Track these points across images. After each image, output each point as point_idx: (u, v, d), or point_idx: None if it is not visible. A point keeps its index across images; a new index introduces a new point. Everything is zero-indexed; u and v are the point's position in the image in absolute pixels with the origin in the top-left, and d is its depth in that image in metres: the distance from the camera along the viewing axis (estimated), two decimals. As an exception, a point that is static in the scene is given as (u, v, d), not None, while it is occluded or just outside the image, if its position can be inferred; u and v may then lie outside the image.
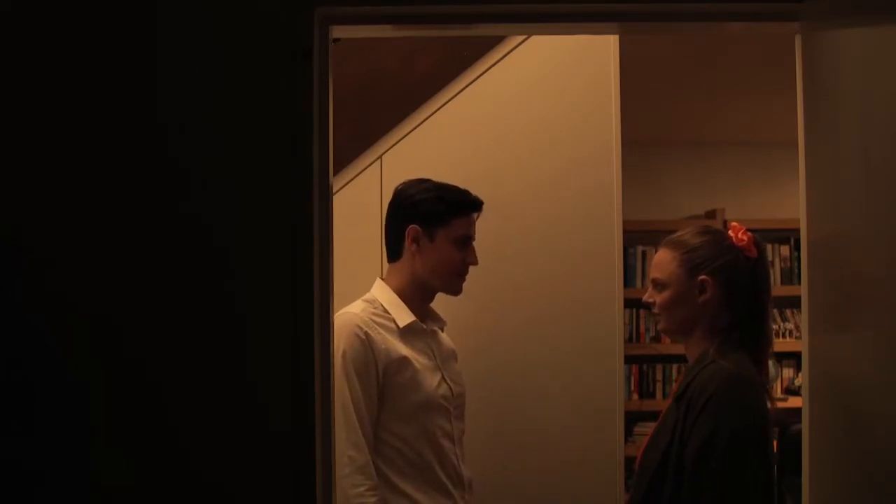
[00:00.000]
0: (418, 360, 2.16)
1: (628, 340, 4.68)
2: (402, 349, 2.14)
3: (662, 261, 2.11)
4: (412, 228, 2.20)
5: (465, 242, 2.22)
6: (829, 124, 1.55)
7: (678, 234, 2.14)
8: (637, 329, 4.81)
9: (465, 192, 2.23)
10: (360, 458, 2.04)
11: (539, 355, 2.62)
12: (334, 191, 1.70)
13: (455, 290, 2.25)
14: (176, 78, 1.54)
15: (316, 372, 1.54)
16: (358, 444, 2.05)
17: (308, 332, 1.53)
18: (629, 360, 4.58)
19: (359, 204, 2.62)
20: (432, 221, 2.20)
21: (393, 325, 2.17)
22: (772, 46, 2.12)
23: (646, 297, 2.15)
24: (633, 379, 4.75)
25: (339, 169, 2.59)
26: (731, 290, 2.05)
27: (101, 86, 1.54)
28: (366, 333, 2.10)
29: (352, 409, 2.05)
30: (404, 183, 2.28)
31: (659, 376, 4.79)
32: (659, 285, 2.10)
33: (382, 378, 2.11)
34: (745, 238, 2.08)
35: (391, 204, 2.28)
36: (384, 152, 2.67)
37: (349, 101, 2.48)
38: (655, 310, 2.12)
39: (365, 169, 2.66)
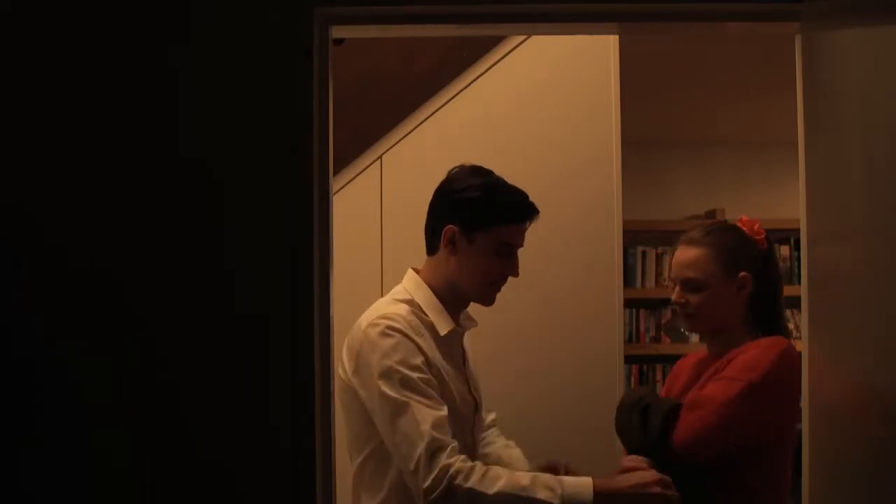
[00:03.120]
0: (450, 371, 1.94)
1: (628, 340, 4.68)
2: (440, 360, 1.91)
3: (697, 260, 2.05)
4: (449, 229, 1.93)
5: (508, 252, 1.96)
6: (829, 124, 1.55)
7: (701, 231, 2.09)
8: (637, 329, 4.81)
9: (521, 197, 1.96)
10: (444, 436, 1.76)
11: (539, 355, 2.62)
12: (334, 191, 1.69)
13: (487, 300, 2.00)
14: (175, 78, 1.54)
15: (316, 372, 1.54)
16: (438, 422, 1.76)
17: (307, 332, 1.53)
18: (629, 360, 4.57)
19: (359, 204, 2.62)
20: (474, 225, 1.92)
21: (433, 332, 1.93)
22: (772, 46, 2.12)
23: (676, 298, 2.08)
24: (633, 379, 4.75)
25: (339, 169, 2.59)
26: (760, 283, 2.07)
27: (101, 88, 1.54)
28: (418, 344, 1.86)
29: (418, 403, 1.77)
30: (460, 170, 2.01)
31: (659, 376, 4.79)
32: (694, 285, 2.05)
33: None
34: (762, 231, 2.10)
35: (436, 191, 2.01)
36: (384, 152, 2.67)
37: (349, 101, 2.48)
38: (689, 310, 2.08)
39: (365, 169, 2.66)
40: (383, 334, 1.83)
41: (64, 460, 1.51)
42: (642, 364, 4.78)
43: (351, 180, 2.65)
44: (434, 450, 1.72)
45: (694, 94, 4.11)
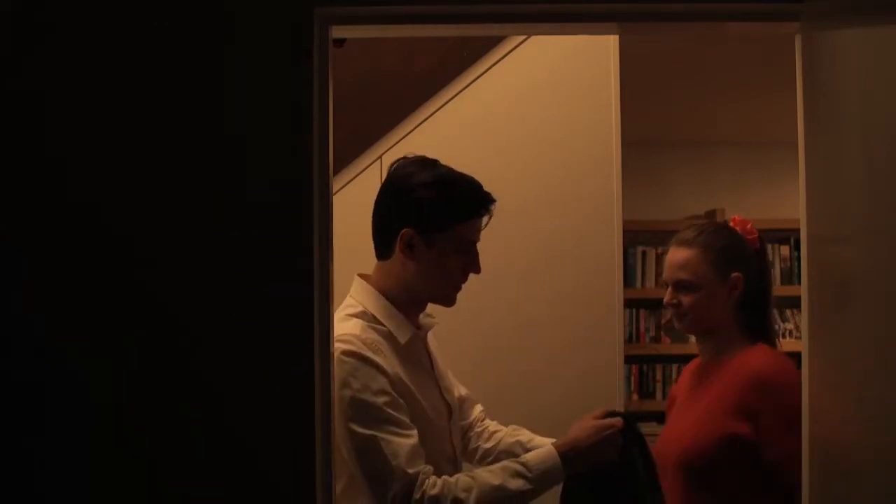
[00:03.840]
0: (418, 381, 1.83)
1: (628, 340, 4.69)
2: (405, 376, 1.79)
3: (689, 261, 2.05)
4: (406, 232, 1.79)
5: (469, 248, 1.84)
6: (829, 124, 1.55)
7: (693, 232, 2.09)
8: (637, 329, 4.82)
9: (476, 189, 1.83)
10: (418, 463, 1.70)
11: (539, 355, 2.62)
12: (334, 191, 1.69)
13: (449, 301, 1.88)
14: (174, 78, 1.54)
15: (316, 373, 1.54)
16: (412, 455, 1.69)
17: (308, 333, 1.53)
18: (629, 360, 4.58)
19: (359, 204, 2.61)
20: (433, 226, 1.80)
21: (392, 343, 1.82)
22: (772, 46, 2.12)
23: (668, 299, 2.09)
24: (633, 379, 4.76)
25: (339, 169, 2.59)
26: (751, 283, 2.06)
27: (96, 85, 1.54)
28: (377, 365, 1.74)
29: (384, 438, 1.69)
30: (403, 164, 1.87)
31: (659, 376, 4.80)
32: (686, 286, 2.06)
33: None
34: (754, 231, 2.10)
35: (386, 190, 1.87)
36: (384, 152, 2.67)
37: (349, 101, 2.48)
38: (681, 311, 2.08)
39: (365, 169, 2.66)
40: (339, 361, 1.70)
41: (68, 455, 1.51)
42: (642, 364, 4.79)
43: (351, 180, 2.66)
44: (407, 485, 1.66)
45: (694, 94, 4.11)
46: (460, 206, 1.81)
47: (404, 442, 1.69)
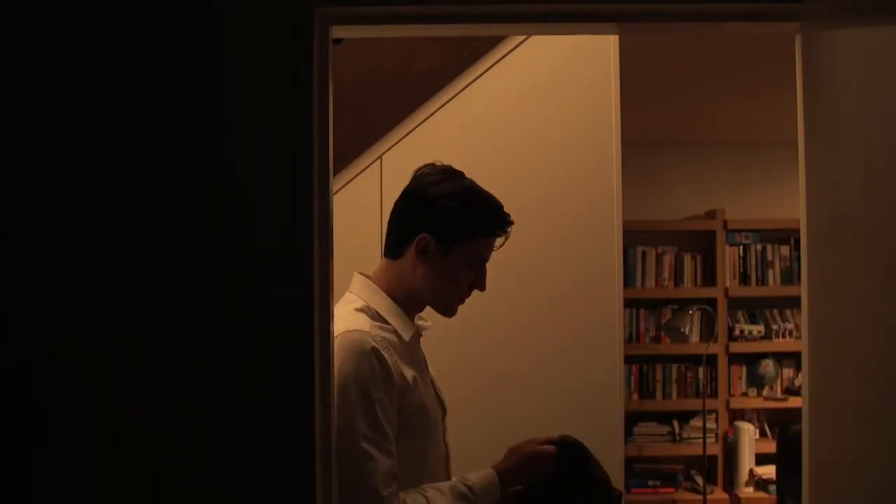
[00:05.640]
0: (417, 378, 1.82)
1: (628, 340, 4.69)
2: (407, 371, 1.79)
3: None
4: (423, 237, 1.81)
5: (480, 265, 1.87)
6: (829, 124, 1.55)
7: None
8: (637, 329, 4.82)
9: (499, 208, 1.86)
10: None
11: (539, 355, 2.62)
12: (334, 191, 1.69)
13: (450, 312, 1.89)
14: (175, 78, 1.54)
15: (316, 373, 1.54)
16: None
17: (308, 333, 1.53)
18: (629, 360, 4.59)
19: (359, 204, 2.62)
20: (452, 236, 1.82)
21: (396, 339, 1.80)
22: (772, 46, 2.12)
23: None
24: (633, 379, 4.76)
25: (339, 169, 2.60)
26: None
27: (96, 85, 1.54)
28: (388, 366, 1.73)
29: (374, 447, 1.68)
30: (429, 172, 1.88)
31: (659, 376, 4.80)
32: None
33: (398, 412, 1.76)
34: None
35: (408, 194, 1.88)
36: (384, 152, 2.67)
37: (349, 101, 2.48)
38: None
39: (365, 169, 2.66)
40: (348, 356, 1.70)
41: (67, 455, 1.51)
42: (642, 364, 4.79)
43: (351, 180, 2.66)
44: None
45: (694, 94, 4.11)
46: (482, 221, 1.84)
47: (384, 461, 1.68)
